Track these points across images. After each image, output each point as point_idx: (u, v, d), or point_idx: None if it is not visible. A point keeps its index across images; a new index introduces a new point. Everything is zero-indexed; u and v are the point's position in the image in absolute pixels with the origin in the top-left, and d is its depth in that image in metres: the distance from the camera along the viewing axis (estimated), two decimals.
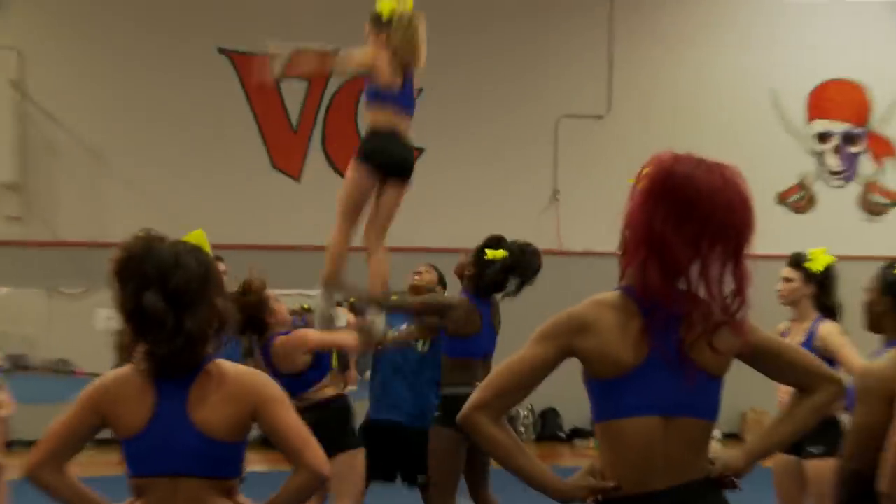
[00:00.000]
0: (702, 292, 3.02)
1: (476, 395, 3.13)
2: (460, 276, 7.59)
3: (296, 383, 6.54)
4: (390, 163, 7.05)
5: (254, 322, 6.58)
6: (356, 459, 6.84)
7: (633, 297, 3.05)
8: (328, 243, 7.51)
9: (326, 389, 6.89)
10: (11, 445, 8.62)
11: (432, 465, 7.12)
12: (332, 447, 5.47)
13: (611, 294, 3.11)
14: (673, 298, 3.01)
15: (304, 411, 5.58)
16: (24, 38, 15.38)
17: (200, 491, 3.29)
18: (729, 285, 3.02)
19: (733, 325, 3.04)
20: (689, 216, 2.97)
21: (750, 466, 3.18)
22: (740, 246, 3.01)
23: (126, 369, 3.38)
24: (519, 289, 7.28)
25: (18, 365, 15.47)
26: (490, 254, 7.28)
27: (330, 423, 6.48)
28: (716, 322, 3.02)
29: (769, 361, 3.20)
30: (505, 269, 7.27)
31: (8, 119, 15.12)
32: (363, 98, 7.56)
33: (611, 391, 3.04)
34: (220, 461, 3.33)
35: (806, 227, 15.87)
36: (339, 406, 6.96)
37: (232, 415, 3.30)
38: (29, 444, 3.53)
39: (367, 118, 7.17)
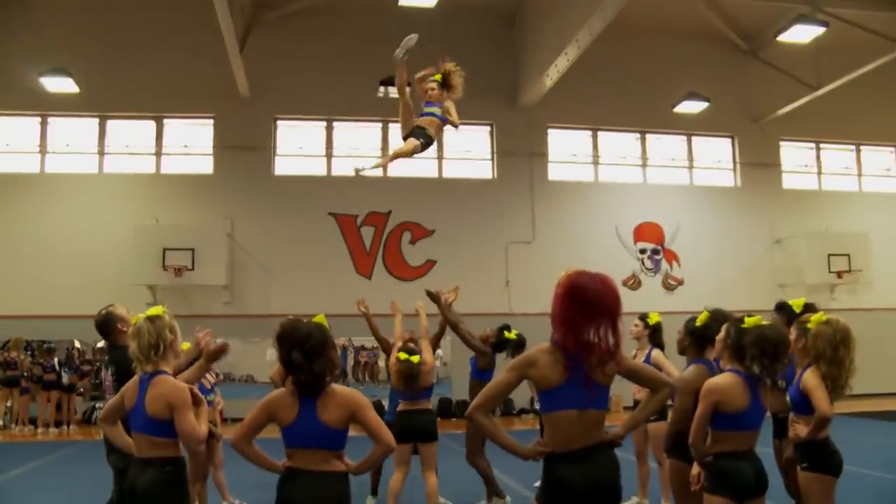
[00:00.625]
0: (596, 345, 2.84)
1: (476, 401, 2.97)
2: (485, 340, 6.90)
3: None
4: None
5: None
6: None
7: (560, 347, 2.87)
8: None
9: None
10: (227, 421, 8.01)
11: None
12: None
13: (547, 344, 2.91)
14: (580, 350, 2.83)
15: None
16: (234, 212, 15.98)
17: (325, 456, 3.08)
18: (610, 340, 2.85)
19: (615, 359, 2.88)
20: (587, 307, 2.82)
21: (626, 433, 3.01)
22: (615, 320, 2.85)
23: (284, 389, 3.17)
24: (512, 353, 6.52)
25: (228, 378, 15.61)
26: (507, 334, 6.92)
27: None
28: (605, 360, 2.85)
29: (635, 376, 3.03)
30: (510, 343, 6.83)
31: (225, 252, 15.58)
32: None
33: (549, 397, 2.89)
34: (335, 440, 3.10)
35: (638, 298, 15.92)
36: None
37: (340, 415, 3.09)
38: (235, 421, 3.39)
39: None
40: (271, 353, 3.43)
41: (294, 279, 15.77)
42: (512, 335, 6.86)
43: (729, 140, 18.54)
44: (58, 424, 13.83)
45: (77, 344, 15.63)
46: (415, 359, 5.95)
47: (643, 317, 6.35)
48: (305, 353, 3.03)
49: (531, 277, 15.86)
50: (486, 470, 6.76)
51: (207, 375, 6.53)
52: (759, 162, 18.22)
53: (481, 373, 6.74)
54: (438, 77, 5.55)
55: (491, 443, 3.16)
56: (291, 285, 15.57)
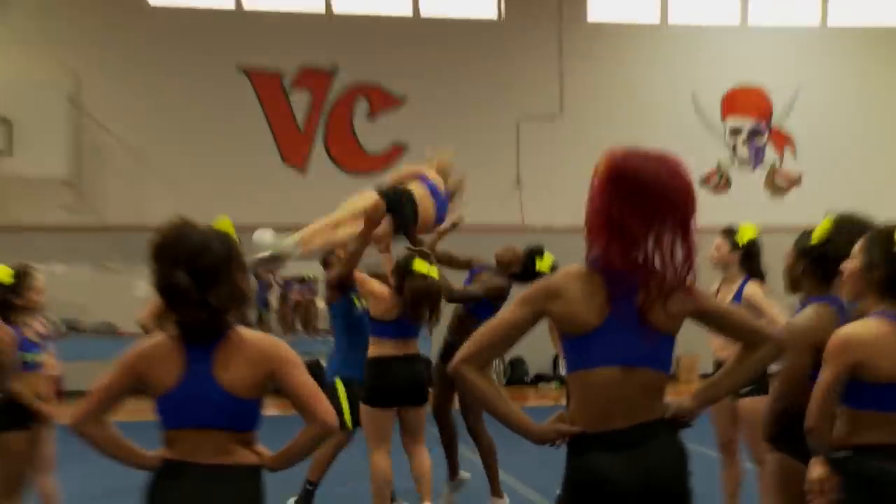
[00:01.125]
0: (657, 262, 2.97)
1: (463, 350, 3.07)
2: (505, 264, 7.50)
3: None
4: None
5: None
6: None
7: (598, 269, 2.99)
8: None
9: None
10: (65, 396, 8.06)
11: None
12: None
13: (578, 266, 3.03)
14: (631, 270, 2.96)
15: None
16: (78, 62, 15.88)
17: (224, 442, 3.17)
18: (678, 255, 2.98)
19: (685, 289, 3.00)
20: (643, 199, 2.93)
21: (700, 410, 3.14)
22: (686, 220, 2.99)
23: (160, 337, 3.26)
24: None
25: (72, 327, 15.97)
26: (539, 263, 7.39)
27: None
28: (669, 288, 2.97)
29: (718, 323, 3.15)
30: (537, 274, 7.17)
31: (65, 127, 15.54)
32: None
33: (579, 347, 3.00)
34: (241, 416, 3.21)
35: (723, 205, 15.70)
36: None
37: (251, 376, 3.17)
38: (80, 395, 3.50)
39: None
40: (143, 287, 3.71)
41: (182, 172, 15.97)
42: (546, 264, 7.31)
43: None
44: None
45: None
46: (435, 272, 6.58)
47: (728, 232, 6.57)
48: (197, 273, 3.11)
49: (555, 172, 16.08)
50: (450, 438, 7.52)
51: (35, 323, 6.47)
52: None
53: (478, 307, 7.16)
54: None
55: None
56: (178, 182, 15.71)
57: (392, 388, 6.55)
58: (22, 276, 6.05)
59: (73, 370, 8.97)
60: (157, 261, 3.15)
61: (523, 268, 7.37)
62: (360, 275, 6.71)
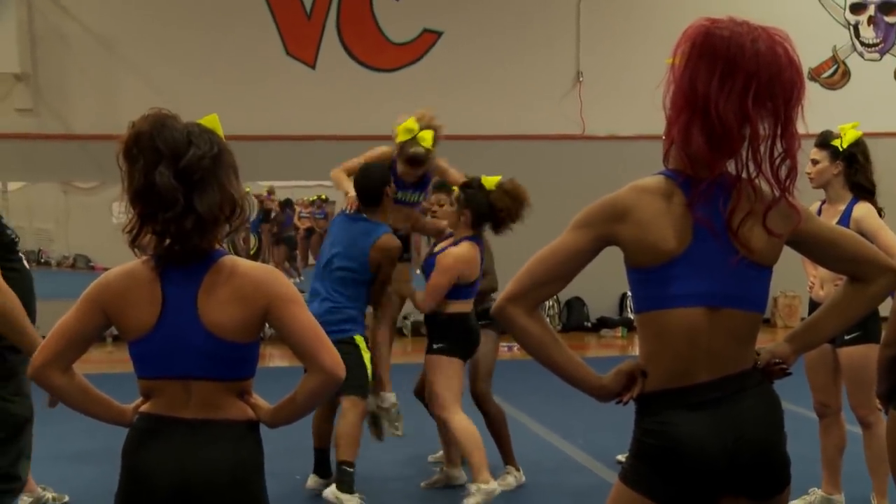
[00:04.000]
0: (752, 165, 2.94)
1: (510, 287, 3.03)
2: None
3: None
4: None
5: None
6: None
7: (677, 180, 2.96)
8: None
9: None
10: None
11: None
12: None
13: (652, 178, 3.01)
14: (720, 167, 2.93)
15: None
16: None
17: (213, 393, 3.21)
18: (778, 152, 2.94)
19: (787, 202, 2.98)
20: (734, 73, 2.86)
21: (796, 356, 3.13)
22: (790, 106, 2.92)
23: (132, 264, 3.26)
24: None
25: (36, 261, 15.97)
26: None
27: None
28: (769, 200, 2.96)
29: (824, 250, 3.14)
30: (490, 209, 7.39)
31: (14, 8, 15.52)
32: None
33: (653, 280, 2.97)
34: (233, 362, 3.23)
35: (840, 103, 15.82)
36: None
37: (243, 313, 3.19)
38: None
39: None
40: (120, 210, 3.59)
41: (163, 67, 16.08)
42: (491, 184, 7.34)
43: None
44: None
45: None
46: None
47: (825, 140, 6.45)
48: (180, 172, 3.11)
49: (624, 66, 16.15)
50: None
51: None
52: None
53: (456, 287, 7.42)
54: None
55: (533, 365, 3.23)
56: (158, 79, 15.81)
57: (476, 343, 7.25)
58: None
59: (40, 310, 8.98)
60: (132, 159, 3.15)
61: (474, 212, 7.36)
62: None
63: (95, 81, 16.21)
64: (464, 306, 7.18)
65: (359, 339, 7.02)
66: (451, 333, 7.09)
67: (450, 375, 7.05)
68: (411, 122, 7.40)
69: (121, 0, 16.31)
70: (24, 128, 15.93)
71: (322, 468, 7.53)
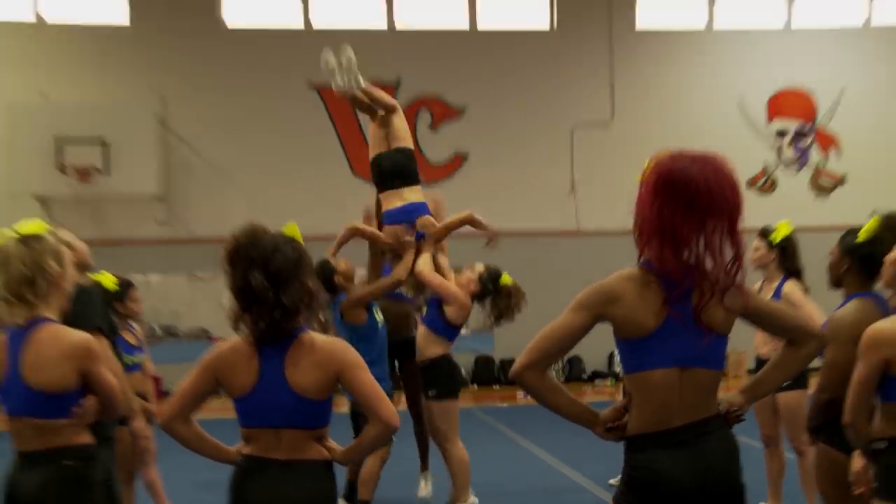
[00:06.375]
0: (708, 263, 2.89)
1: (525, 358, 2.97)
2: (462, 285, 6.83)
3: None
4: None
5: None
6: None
7: (653, 271, 2.90)
8: None
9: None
10: (166, 395, 8.30)
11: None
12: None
13: (633, 270, 2.95)
14: (686, 273, 2.87)
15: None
16: (165, 85, 15.97)
17: (298, 439, 3.16)
18: (727, 254, 2.90)
19: (737, 287, 2.92)
20: (692, 205, 2.84)
21: (748, 405, 3.05)
22: (734, 221, 2.89)
23: (236, 340, 3.22)
24: (495, 311, 6.84)
25: (169, 333, 16.51)
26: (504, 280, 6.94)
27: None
28: (723, 286, 2.89)
29: (766, 320, 3.07)
30: (499, 296, 6.88)
31: (154, 146, 15.62)
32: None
33: (637, 349, 2.91)
34: (312, 415, 3.18)
35: (770, 206, 15.62)
36: None
37: (320, 378, 3.15)
38: None
39: None
40: (226, 298, 3.54)
41: (261, 185, 16.11)
42: (508, 282, 6.87)
43: None
44: None
45: None
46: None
47: (764, 233, 6.41)
48: (270, 275, 3.10)
49: (608, 177, 15.88)
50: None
51: (132, 326, 6.69)
52: None
53: (448, 327, 6.70)
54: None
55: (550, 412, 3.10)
56: (257, 194, 15.82)
57: (460, 378, 6.71)
58: (124, 286, 6.28)
59: (172, 371, 9.13)
60: (232, 264, 3.16)
61: (484, 286, 6.81)
62: (440, 278, 6.58)
63: (211, 198, 16.18)
64: (444, 348, 6.57)
65: None
66: (439, 379, 6.52)
67: (448, 414, 6.53)
68: None
69: (228, 140, 16.33)
70: (161, 235, 16.04)
71: (350, 494, 7.03)
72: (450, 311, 6.52)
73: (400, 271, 6.58)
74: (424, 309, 7.07)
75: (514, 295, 6.74)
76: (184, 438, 3.27)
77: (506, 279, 6.76)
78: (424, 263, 6.50)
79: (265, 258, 3.11)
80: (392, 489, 7.66)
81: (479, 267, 6.83)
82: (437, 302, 6.59)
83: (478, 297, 6.69)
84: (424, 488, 7.64)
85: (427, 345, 6.59)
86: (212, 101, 16.30)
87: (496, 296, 6.75)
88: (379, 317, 6.84)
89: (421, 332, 6.73)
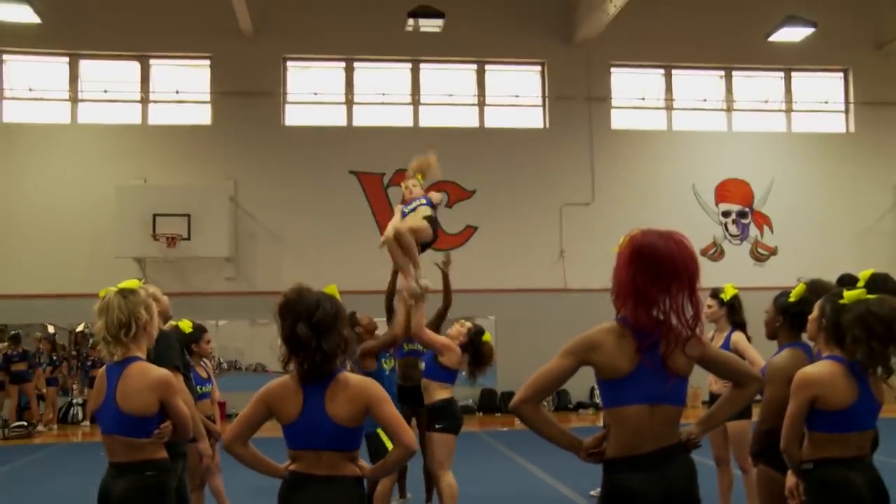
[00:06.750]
0: (672, 320, 2.86)
1: (522, 393, 2.94)
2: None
3: None
4: None
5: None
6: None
7: (628, 325, 2.88)
8: None
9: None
10: (229, 418, 8.15)
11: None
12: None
13: (612, 323, 2.92)
14: (655, 327, 2.85)
15: None
16: (237, 171, 16.27)
17: (335, 459, 3.13)
18: (688, 312, 2.88)
19: (696, 338, 2.91)
20: (659, 272, 2.83)
21: (703, 434, 3.04)
22: (693, 285, 2.88)
23: (286, 378, 3.19)
24: (472, 366, 6.49)
25: (233, 367, 16.31)
26: (485, 338, 6.59)
27: None
28: (685, 337, 2.87)
29: (718, 366, 3.05)
30: (479, 352, 6.52)
31: (227, 219, 15.78)
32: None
33: (614, 388, 2.88)
34: (346, 440, 3.14)
35: (719, 270, 15.72)
36: None
37: (353, 409, 3.12)
38: None
39: None
40: (278, 345, 3.49)
41: (310, 249, 16.11)
42: (488, 339, 6.59)
43: (840, 74, 18.29)
44: (32, 425, 14.08)
45: (50, 328, 15.99)
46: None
47: (715, 293, 6.34)
48: (313, 326, 3.07)
49: (590, 246, 15.84)
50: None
51: (204, 362, 6.69)
52: (880, 100, 17.78)
53: (445, 372, 6.40)
54: (420, 177, 6.11)
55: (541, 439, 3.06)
56: (306, 257, 15.86)
57: (461, 419, 6.38)
58: (198, 330, 6.30)
59: (235, 398, 9.43)
60: (283, 316, 3.13)
61: (469, 340, 6.48)
62: (430, 333, 6.27)
63: (269, 260, 16.17)
64: (449, 391, 6.28)
65: (379, 432, 5.81)
66: (446, 417, 6.22)
67: (447, 446, 6.22)
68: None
69: (284, 214, 16.37)
70: (228, 288, 16.07)
71: None
72: (444, 360, 6.27)
73: (395, 330, 6.33)
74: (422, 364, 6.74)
75: (490, 353, 6.47)
76: (242, 458, 3.24)
77: (487, 337, 6.52)
78: (418, 324, 6.05)
79: (309, 312, 3.09)
80: None
81: (468, 323, 6.59)
82: (433, 355, 6.35)
83: (464, 347, 6.35)
84: None
85: (434, 391, 6.32)
86: (272, 183, 16.40)
87: (478, 348, 6.44)
88: (387, 365, 6.64)
89: (424, 382, 6.42)
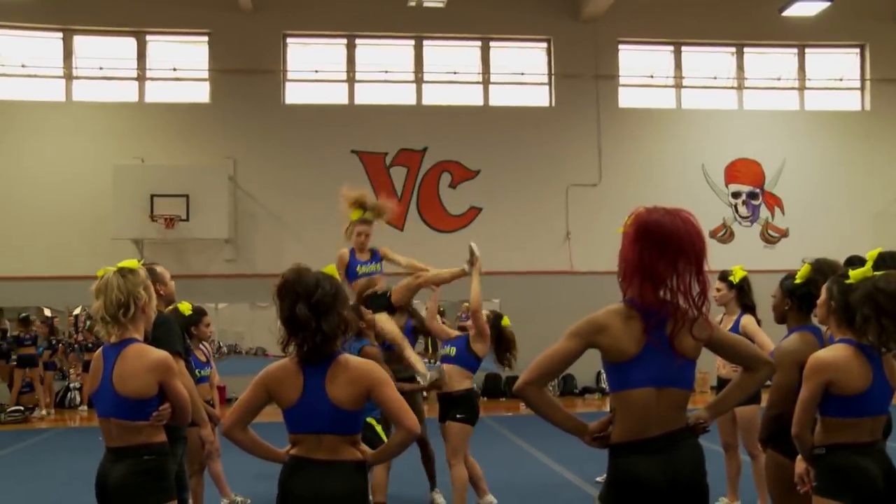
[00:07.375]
0: (679, 299, 2.86)
1: (528, 375, 2.92)
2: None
3: None
4: None
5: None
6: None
7: (634, 306, 2.87)
8: None
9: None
10: (229, 402, 8.19)
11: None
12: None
13: (618, 305, 2.91)
14: (661, 306, 2.85)
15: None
16: (236, 150, 16.14)
17: (335, 442, 3.11)
18: (695, 290, 2.87)
19: (703, 318, 2.89)
20: (665, 249, 2.83)
21: (712, 419, 3.02)
22: (700, 263, 2.87)
23: (285, 360, 3.17)
24: (497, 351, 6.60)
25: (233, 351, 16.46)
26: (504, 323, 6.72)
27: None
28: (692, 317, 2.86)
29: (727, 350, 3.03)
30: (501, 336, 6.65)
31: (226, 199, 15.69)
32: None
33: (621, 371, 2.87)
34: (347, 423, 3.12)
35: (729, 252, 15.88)
36: None
37: (353, 392, 3.09)
38: None
39: None
40: (277, 326, 3.48)
41: (311, 231, 15.94)
42: (507, 323, 6.65)
43: (857, 51, 18.15)
44: (28, 409, 14.12)
45: (47, 312, 16.05)
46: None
47: (724, 276, 6.37)
48: (312, 306, 3.04)
49: (596, 228, 15.84)
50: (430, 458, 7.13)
51: (203, 346, 6.72)
52: None
53: (476, 360, 6.48)
54: (371, 215, 6.92)
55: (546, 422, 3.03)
56: (307, 238, 15.68)
57: (478, 412, 6.48)
58: (198, 313, 6.33)
59: (235, 382, 9.37)
60: (282, 297, 3.10)
61: (493, 328, 6.54)
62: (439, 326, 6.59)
63: (270, 241, 16.15)
64: (470, 381, 6.40)
65: (371, 421, 5.75)
66: (469, 407, 6.32)
67: (464, 437, 6.33)
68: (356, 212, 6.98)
69: (284, 195, 16.29)
70: (228, 271, 16.03)
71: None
72: (477, 347, 6.36)
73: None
74: (441, 350, 6.82)
75: (512, 336, 6.54)
76: (241, 443, 3.23)
77: (506, 321, 6.57)
78: (431, 316, 6.66)
79: (308, 292, 3.06)
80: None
81: (485, 311, 6.57)
82: (465, 341, 6.39)
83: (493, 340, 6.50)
84: (438, 501, 7.21)
85: (457, 379, 6.35)
86: (272, 163, 16.35)
87: (501, 332, 6.51)
88: None
89: (449, 369, 6.41)
